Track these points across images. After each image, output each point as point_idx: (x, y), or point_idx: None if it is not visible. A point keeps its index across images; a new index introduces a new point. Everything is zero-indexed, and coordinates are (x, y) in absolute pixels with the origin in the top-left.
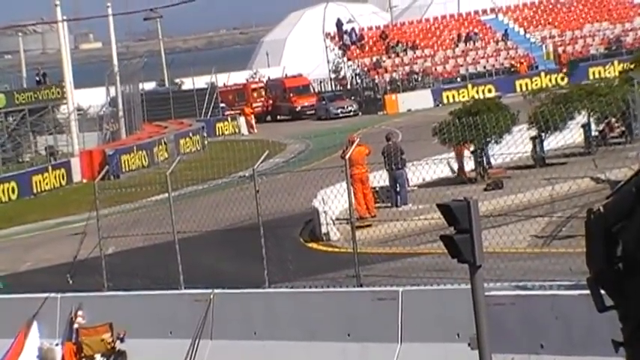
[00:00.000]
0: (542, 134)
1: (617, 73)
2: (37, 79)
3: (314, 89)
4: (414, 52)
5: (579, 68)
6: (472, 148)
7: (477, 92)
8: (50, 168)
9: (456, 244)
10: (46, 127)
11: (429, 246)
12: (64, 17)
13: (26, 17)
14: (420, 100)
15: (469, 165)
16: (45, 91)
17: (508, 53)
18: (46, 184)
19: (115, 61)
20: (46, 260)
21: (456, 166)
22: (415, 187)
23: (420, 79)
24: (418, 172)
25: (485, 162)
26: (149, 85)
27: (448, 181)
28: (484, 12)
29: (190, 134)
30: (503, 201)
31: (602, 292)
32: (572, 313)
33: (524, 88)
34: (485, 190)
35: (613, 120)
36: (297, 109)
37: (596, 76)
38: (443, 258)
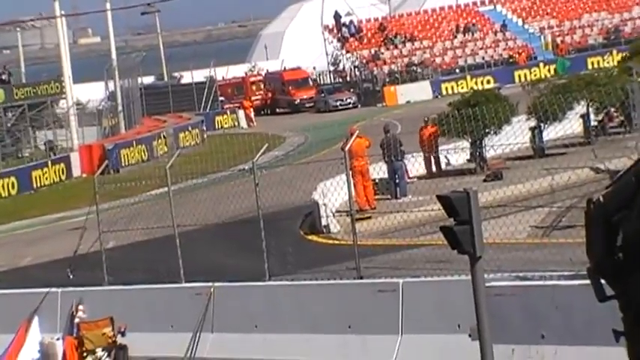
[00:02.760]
0: (542, 125)
1: (615, 63)
2: (3, 77)
3: (313, 82)
4: (413, 44)
5: (570, 66)
6: (471, 140)
7: (476, 83)
8: (50, 163)
9: (456, 235)
10: (45, 122)
11: (428, 237)
12: (63, 12)
13: (25, 12)
14: (418, 91)
15: (461, 157)
16: (44, 86)
17: (507, 44)
18: (46, 179)
19: (114, 56)
20: (46, 255)
21: (451, 158)
22: (415, 179)
23: (418, 70)
24: (417, 164)
25: (483, 153)
26: (148, 80)
27: (447, 172)
28: (482, 3)
29: (189, 128)
30: (502, 192)
31: (603, 281)
32: (572, 303)
33: (522, 79)
34: (485, 181)
35: (612, 110)
36: (296, 102)
37: (595, 66)
38: (443, 249)
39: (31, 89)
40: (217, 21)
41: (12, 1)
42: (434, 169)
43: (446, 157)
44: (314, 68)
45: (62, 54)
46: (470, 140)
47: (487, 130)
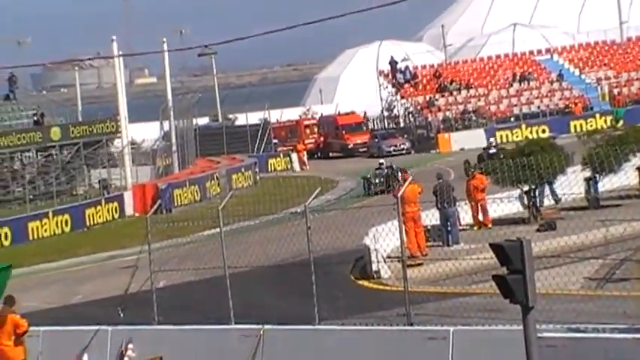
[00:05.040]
0: (597, 175)
1: None
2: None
3: (367, 127)
4: (468, 91)
5: (628, 114)
6: (526, 188)
7: (531, 132)
8: (103, 201)
9: (509, 284)
10: (99, 160)
11: (480, 286)
12: (120, 52)
13: (83, 52)
14: (473, 139)
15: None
16: (100, 125)
17: (563, 94)
18: (99, 217)
19: (170, 96)
20: (97, 293)
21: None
22: (467, 227)
23: (473, 118)
24: (470, 211)
25: (538, 202)
26: (202, 121)
27: (500, 221)
28: (539, 52)
29: (242, 170)
30: (556, 242)
31: None
32: (626, 356)
33: (578, 129)
34: (538, 230)
35: None
36: (350, 147)
37: None
38: (495, 298)
39: (87, 128)
40: (273, 64)
41: (71, 41)
42: (480, 217)
43: (520, 199)
44: (365, 114)
45: (119, 93)
46: (524, 189)
47: (541, 180)
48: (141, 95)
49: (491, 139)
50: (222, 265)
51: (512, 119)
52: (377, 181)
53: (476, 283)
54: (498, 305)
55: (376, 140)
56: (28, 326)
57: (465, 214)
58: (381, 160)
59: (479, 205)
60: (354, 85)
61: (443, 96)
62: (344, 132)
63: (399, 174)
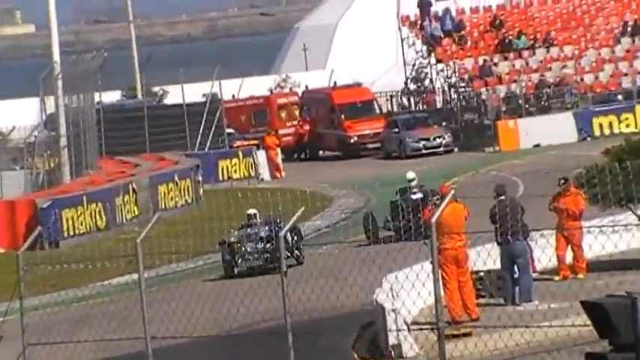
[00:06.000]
0: None
1: None
2: None
3: (380, 108)
4: (547, 52)
5: None
6: None
7: None
8: None
9: None
10: None
11: None
12: None
13: None
14: (555, 129)
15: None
16: None
17: None
18: None
19: (57, 57)
20: None
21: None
22: (545, 274)
23: (555, 94)
24: (551, 247)
25: None
26: (111, 96)
27: (600, 265)
28: None
29: (176, 177)
30: None
31: None
32: None
33: None
34: None
35: None
36: (353, 140)
37: None
38: None
39: None
40: (226, 5)
41: None
42: (569, 259)
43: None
44: (407, 83)
45: None
46: (638, 212)
47: None
48: (10, 55)
49: (410, 174)
50: (143, 335)
51: (619, 97)
52: (246, 248)
53: None
54: None
55: (396, 131)
56: None
57: (541, 251)
58: (251, 210)
59: (569, 238)
60: (360, 41)
61: (506, 59)
62: (343, 117)
63: (291, 237)
